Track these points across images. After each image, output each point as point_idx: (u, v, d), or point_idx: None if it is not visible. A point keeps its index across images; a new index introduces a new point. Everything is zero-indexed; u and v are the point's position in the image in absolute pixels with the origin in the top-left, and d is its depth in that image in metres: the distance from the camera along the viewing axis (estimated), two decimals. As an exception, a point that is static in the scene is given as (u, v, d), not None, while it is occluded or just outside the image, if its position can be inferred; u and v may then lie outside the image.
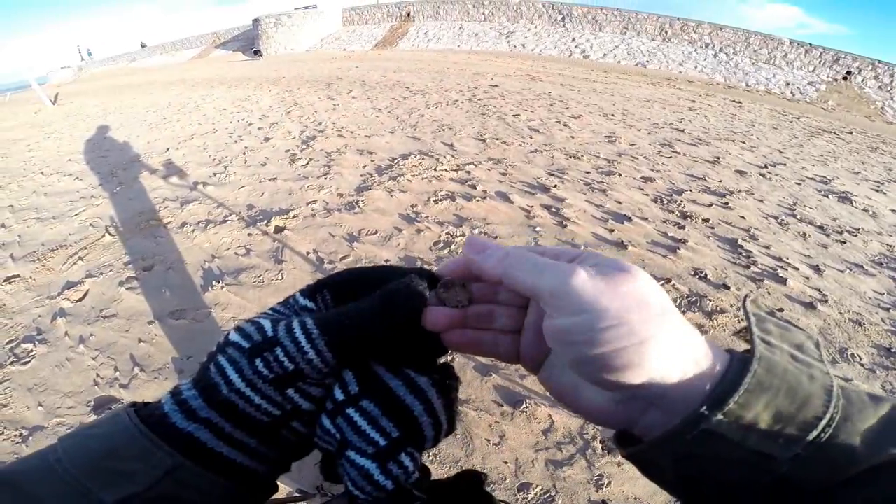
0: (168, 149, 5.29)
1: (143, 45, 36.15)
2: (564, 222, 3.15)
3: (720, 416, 0.21)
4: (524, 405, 1.78)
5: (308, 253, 2.84)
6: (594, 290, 0.24)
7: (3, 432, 1.82)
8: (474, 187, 3.70)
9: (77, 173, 4.78)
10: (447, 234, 2.98)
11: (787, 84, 13.51)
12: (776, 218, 3.52)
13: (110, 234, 3.26)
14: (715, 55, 15.62)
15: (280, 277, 2.61)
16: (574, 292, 0.24)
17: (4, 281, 2.85)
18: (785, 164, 5.02)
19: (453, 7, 21.35)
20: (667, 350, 0.23)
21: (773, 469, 0.21)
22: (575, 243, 2.90)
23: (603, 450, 1.63)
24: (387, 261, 2.71)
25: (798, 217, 3.58)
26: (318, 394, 0.30)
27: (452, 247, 2.83)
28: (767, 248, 3.04)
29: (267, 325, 0.29)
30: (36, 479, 0.25)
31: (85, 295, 2.63)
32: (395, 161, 4.33)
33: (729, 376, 0.23)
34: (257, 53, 21.49)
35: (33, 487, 0.24)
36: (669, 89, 10.51)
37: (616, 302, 0.23)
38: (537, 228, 3.06)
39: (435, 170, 4.07)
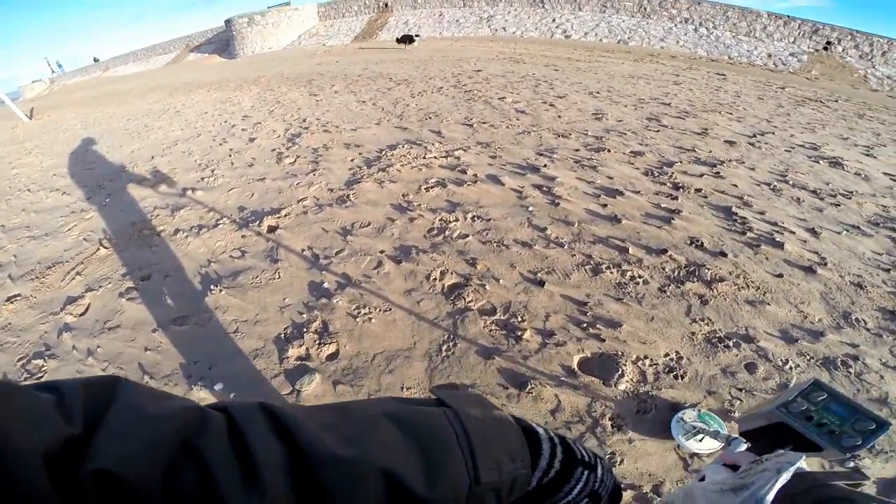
0: (153, 156, 5.21)
1: (95, 60, 35.35)
2: (557, 200, 3.14)
3: None
4: (529, 386, 1.79)
5: (303, 250, 2.82)
6: None
7: None
8: (464, 172, 3.68)
9: (64, 188, 4.70)
10: (440, 220, 2.97)
11: (770, 55, 13.52)
12: (769, 184, 3.53)
13: (105, 247, 3.22)
14: (695, 29, 15.58)
15: (277, 277, 2.59)
16: None
17: (6, 301, 2.81)
18: (773, 133, 5.04)
19: (431, -6, 21.06)
20: None
21: None
22: (569, 220, 2.90)
23: (612, 427, 1.63)
24: (382, 251, 2.69)
25: (790, 183, 3.60)
26: None
27: (446, 233, 2.83)
28: (762, 213, 3.06)
29: None
30: (436, 440, 0.32)
31: (87, 308, 2.61)
32: (383, 152, 4.29)
33: None
34: (406, 39, 14.44)
35: (433, 445, 0.32)
36: (653, 65, 10.48)
37: None
38: (530, 208, 3.06)
39: (424, 158, 4.04)
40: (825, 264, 2.52)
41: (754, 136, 4.84)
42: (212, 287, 2.56)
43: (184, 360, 2.12)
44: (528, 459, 0.36)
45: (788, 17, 14.72)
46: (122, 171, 4.84)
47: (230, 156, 4.78)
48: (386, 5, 22.14)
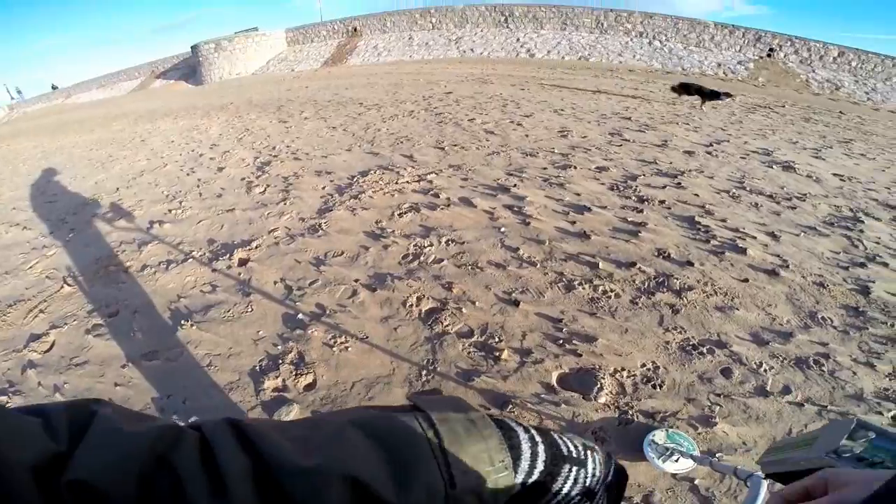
0: (118, 188, 5.06)
1: (53, 87, 34.49)
2: (527, 220, 3.21)
3: None
4: (510, 407, 1.80)
5: (275, 282, 2.78)
6: None
7: None
8: (437, 196, 3.72)
9: (24, 222, 4.51)
10: (415, 246, 2.99)
11: (719, 65, 14.33)
12: (727, 192, 3.71)
13: (69, 285, 3.10)
14: (650, 43, 16.39)
15: (250, 309, 2.54)
16: None
17: None
18: (728, 141, 5.31)
19: (400, 18, 21.53)
20: None
21: None
22: (540, 239, 2.96)
23: (596, 440, 1.65)
24: (356, 280, 2.69)
25: (748, 189, 3.79)
26: None
27: (421, 258, 2.85)
28: (724, 221, 3.19)
29: None
30: (407, 445, 0.32)
31: (52, 346, 2.50)
32: (355, 179, 4.30)
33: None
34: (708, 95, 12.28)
35: (403, 450, 0.32)
36: (612, 80, 10.93)
37: None
38: (502, 229, 3.11)
39: (396, 183, 4.07)
40: (787, 266, 2.63)
41: (711, 144, 5.09)
42: (182, 322, 2.49)
43: (156, 394, 2.05)
44: (508, 460, 0.35)
45: (733, 26, 15.66)
46: (86, 204, 4.69)
47: (198, 186, 4.70)
48: (355, 30, 22.46)
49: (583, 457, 0.40)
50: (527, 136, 5.42)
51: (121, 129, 9.62)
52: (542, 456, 0.38)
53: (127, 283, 3.00)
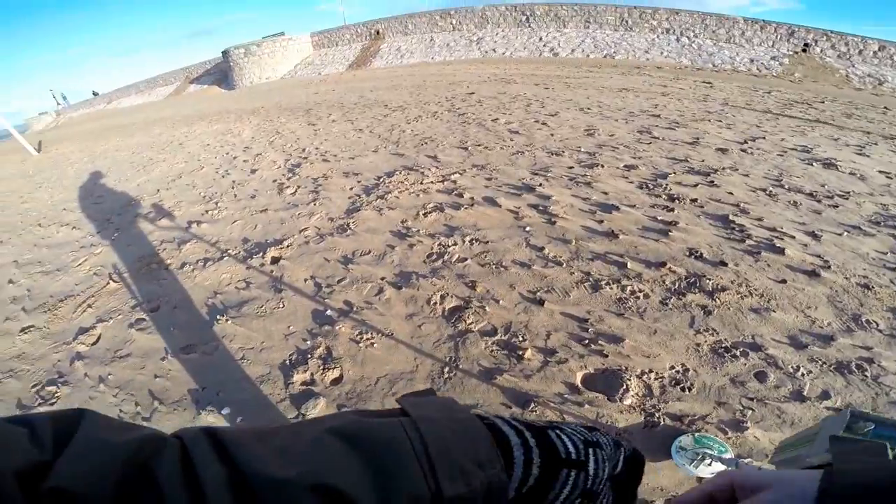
0: (158, 190, 5.32)
1: (94, 94, 36.37)
2: (553, 219, 3.19)
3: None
4: (532, 405, 1.80)
5: (306, 280, 2.87)
6: None
7: None
8: (461, 196, 3.75)
9: (74, 222, 4.80)
10: (439, 245, 3.02)
11: (752, 61, 13.79)
12: (764, 190, 3.58)
13: (114, 281, 3.28)
14: (677, 39, 15.93)
15: (281, 305, 2.63)
16: None
17: (21, 331, 2.87)
18: (764, 138, 5.12)
19: (421, 20, 21.67)
20: None
21: None
22: (566, 238, 2.94)
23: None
24: (383, 278, 2.74)
25: (786, 187, 3.64)
26: None
27: (445, 257, 2.87)
28: (760, 220, 3.09)
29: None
30: (388, 451, 0.30)
31: (98, 338, 2.66)
32: (381, 179, 4.38)
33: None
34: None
35: (385, 457, 0.29)
36: (640, 77, 10.68)
37: None
38: (527, 228, 3.11)
39: (421, 183, 4.12)
40: (829, 267, 2.53)
41: (745, 142, 4.92)
42: (218, 317, 2.60)
43: (192, 386, 2.15)
44: (499, 467, 0.33)
45: (764, 21, 15.03)
46: (130, 205, 4.94)
47: (233, 188, 4.88)
48: (378, 33, 22.75)
49: (583, 457, 0.37)
50: (552, 135, 5.38)
51: (160, 133, 10.08)
52: (536, 461, 0.35)
53: (167, 280, 3.16)
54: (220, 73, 25.61)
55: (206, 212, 4.28)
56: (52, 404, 2.20)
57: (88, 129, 16.16)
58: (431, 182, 4.12)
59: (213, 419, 1.94)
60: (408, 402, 0.36)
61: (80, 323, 2.85)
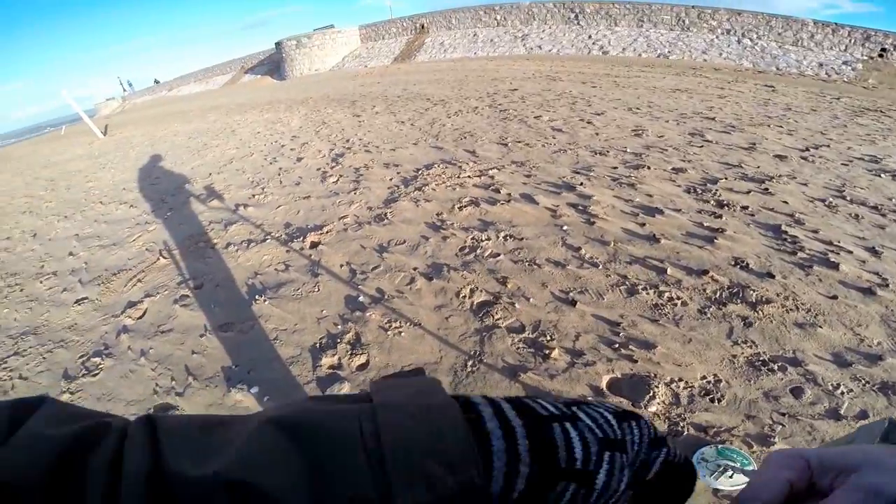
0: (210, 174, 5.62)
1: (156, 81, 38.77)
2: (592, 219, 3.12)
3: None
4: (557, 405, 1.78)
5: (342, 265, 2.95)
6: None
7: None
8: (498, 191, 3.72)
9: (132, 201, 5.16)
10: (472, 239, 3.02)
11: (821, 65, 12.81)
12: (823, 201, 3.34)
13: (164, 258, 3.50)
14: (739, 41, 15.03)
15: (317, 289, 2.72)
16: None
17: (75, 302, 3.12)
18: (828, 146, 4.76)
19: (465, 15, 21.57)
20: None
21: None
22: (604, 240, 2.86)
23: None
24: (415, 268, 2.77)
25: (848, 198, 3.39)
26: None
27: (478, 251, 2.87)
28: (815, 232, 2.89)
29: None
30: (332, 446, 0.24)
31: (144, 313, 2.84)
32: (420, 171, 4.42)
33: None
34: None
35: (327, 452, 0.24)
36: (696, 78, 10.18)
37: None
38: (564, 228, 3.05)
39: (458, 177, 4.13)
40: (887, 285, 2.35)
41: (807, 149, 4.60)
42: (257, 297, 2.72)
43: (226, 363, 2.26)
44: (478, 468, 0.25)
45: (836, 24, 13.92)
46: (183, 187, 5.25)
47: (279, 174, 5.08)
48: (422, 27, 22.86)
49: (591, 466, 0.28)
50: (597, 134, 5.24)
51: (214, 120, 10.61)
52: (523, 473, 0.26)
53: (212, 259, 3.33)
54: (273, 64, 26.59)
55: (253, 196, 4.48)
56: (94, 375, 2.36)
57: (150, 114, 17.24)
58: (468, 176, 4.12)
59: (241, 397, 2.03)
60: (377, 386, 0.30)
61: (129, 297, 3.06)
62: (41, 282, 3.60)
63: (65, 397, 2.24)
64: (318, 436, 0.25)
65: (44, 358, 2.59)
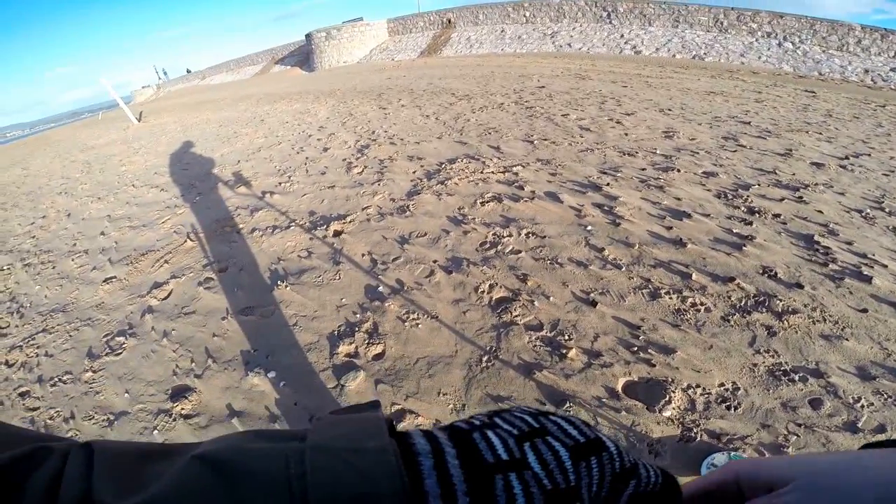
0: (239, 161, 5.75)
1: (188, 71, 40.02)
2: (617, 220, 3.07)
3: None
4: (567, 405, 1.77)
5: (363, 255, 2.98)
6: None
7: (93, 417, 2.07)
8: (521, 188, 3.70)
9: (162, 185, 5.33)
10: (493, 234, 3.02)
11: (867, 71, 12.20)
12: (860, 212, 3.21)
13: (191, 240, 3.61)
14: (779, 44, 14.44)
15: (338, 278, 2.77)
16: None
17: (104, 281, 3.25)
18: (870, 155, 4.56)
19: (493, 11, 21.34)
20: None
21: None
22: (629, 242, 2.82)
23: (650, 453, 1.58)
24: (435, 261, 2.78)
25: (887, 210, 3.24)
26: None
27: (499, 247, 2.86)
28: (849, 243, 2.78)
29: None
30: (257, 487, 0.23)
31: (169, 294, 2.94)
32: (443, 165, 4.43)
33: None
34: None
35: (251, 494, 0.23)
36: (732, 81, 9.85)
37: None
38: (588, 227, 3.01)
39: (482, 172, 4.12)
40: (923, 303, 2.24)
41: (846, 157, 4.41)
42: (279, 282, 2.78)
43: (245, 347, 2.32)
44: None
45: (886, 29, 13.21)
46: (212, 173, 5.40)
47: (305, 164, 5.16)
48: (449, 22, 22.75)
49: (517, 455, 0.26)
50: (626, 134, 5.14)
51: (245, 109, 10.84)
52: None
53: (237, 243, 3.42)
54: (303, 55, 26.94)
55: (280, 184, 4.57)
56: (117, 355, 2.44)
57: (183, 102, 17.72)
58: (492, 172, 4.11)
59: (258, 381, 2.08)
60: (317, 424, 0.29)
61: (155, 277, 3.16)
62: (73, 259, 3.77)
63: (87, 376, 2.33)
64: (244, 475, 0.24)
65: (70, 336, 2.70)
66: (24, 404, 2.23)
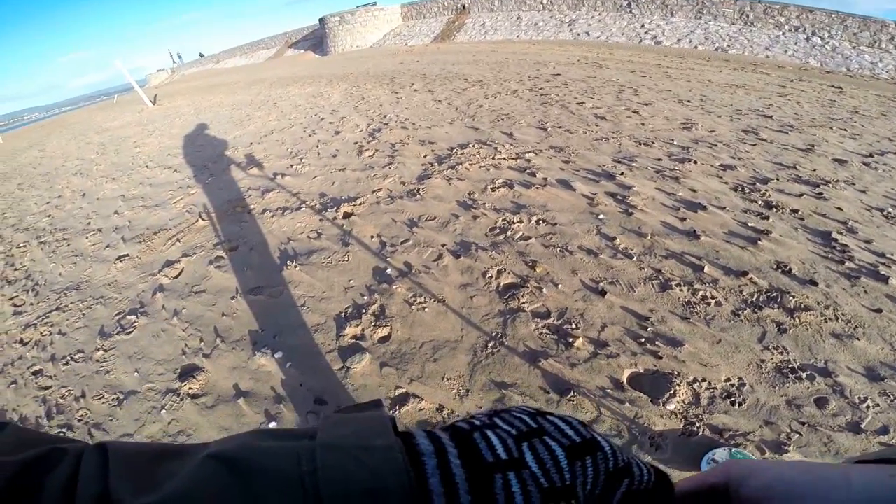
0: (251, 143, 5.77)
1: (200, 55, 40.02)
2: (630, 210, 3.02)
3: None
4: (571, 394, 1.76)
5: (372, 237, 2.99)
6: None
7: (103, 396, 2.10)
8: (533, 175, 3.66)
9: (176, 166, 5.38)
10: (503, 220, 2.99)
11: (897, 68, 11.77)
12: (881, 210, 3.12)
13: (203, 220, 3.65)
14: (807, 39, 13.96)
15: (346, 259, 2.77)
16: None
17: (117, 259, 3.30)
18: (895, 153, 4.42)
19: (508, -3, 20.93)
20: None
21: None
22: (641, 232, 2.77)
23: (651, 446, 1.57)
24: (443, 245, 2.77)
25: (910, 210, 3.15)
26: None
27: (508, 233, 2.84)
28: (868, 242, 2.71)
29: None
30: (271, 484, 0.24)
31: (181, 273, 2.97)
32: (454, 150, 4.39)
33: None
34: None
35: (264, 491, 0.23)
36: (755, 74, 9.58)
37: None
38: (600, 216, 2.97)
39: (493, 158, 4.08)
40: (942, 305, 2.18)
41: (871, 155, 4.28)
42: (288, 262, 2.80)
43: (254, 327, 2.34)
44: None
45: None
46: (225, 155, 5.43)
47: (317, 146, 5.16)
48: (464, 7, 22.37)
49: (515, 454, 0.27)
50: (642, 124, 5.03)
51: (258, 93, 10.84)
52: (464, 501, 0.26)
53: (248, 223, 3.44)
54: (316, 39, 26.76)
55: (291, 166, 4.58)
56: (128, 333, 2.48)
57: (197, 85, 17.78)
58: (504, 158, 4.07)
59: (265, 361, 2.10)
60: (324, 422, 0.30)
61: (167, 256, 3.20)
62: (87, 238, 3.83)
63: (98, 355, 2.37)
64: (258, 473, 0.25)
65: (83, 314, 2.75)
66: (36, 383, 2.28)
